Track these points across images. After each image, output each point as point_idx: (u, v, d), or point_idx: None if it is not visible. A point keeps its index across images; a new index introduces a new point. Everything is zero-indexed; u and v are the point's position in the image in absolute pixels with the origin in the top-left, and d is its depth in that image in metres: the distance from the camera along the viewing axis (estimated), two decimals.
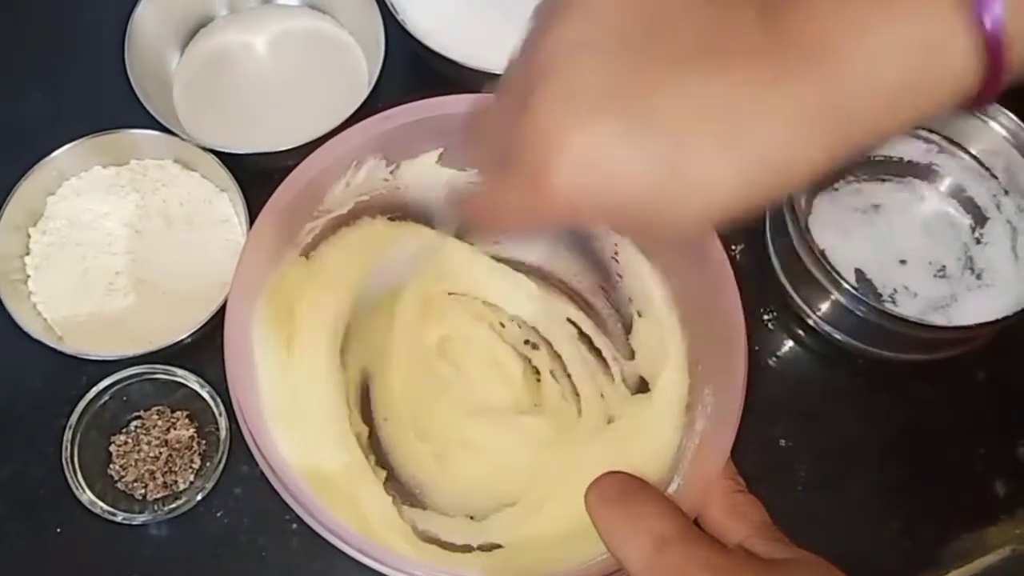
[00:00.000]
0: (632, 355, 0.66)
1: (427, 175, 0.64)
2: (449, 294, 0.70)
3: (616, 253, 0.65)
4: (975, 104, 0.34)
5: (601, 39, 0.36)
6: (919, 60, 0.33)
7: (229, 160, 0.69)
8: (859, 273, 0.70)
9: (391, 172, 0.63)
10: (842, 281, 0.65)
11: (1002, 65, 0.32)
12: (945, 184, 0.74)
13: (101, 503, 0.63)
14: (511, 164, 0.38)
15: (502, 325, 0.69)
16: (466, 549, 0.61)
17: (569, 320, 0.70)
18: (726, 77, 0.34)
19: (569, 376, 0.68)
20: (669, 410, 0.60)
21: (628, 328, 0.67)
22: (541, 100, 0.36)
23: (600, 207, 0.37)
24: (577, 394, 0.67)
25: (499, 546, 0.60)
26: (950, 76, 0.33)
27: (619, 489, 0.45)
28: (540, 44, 0.37)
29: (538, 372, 0.68)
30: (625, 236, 0.58)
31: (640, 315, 0.65)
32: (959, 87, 0.33)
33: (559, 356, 0.69)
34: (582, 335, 0.69)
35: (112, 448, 0.66)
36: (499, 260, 0.70)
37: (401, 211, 0.66)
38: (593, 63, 0.36)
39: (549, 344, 0.69)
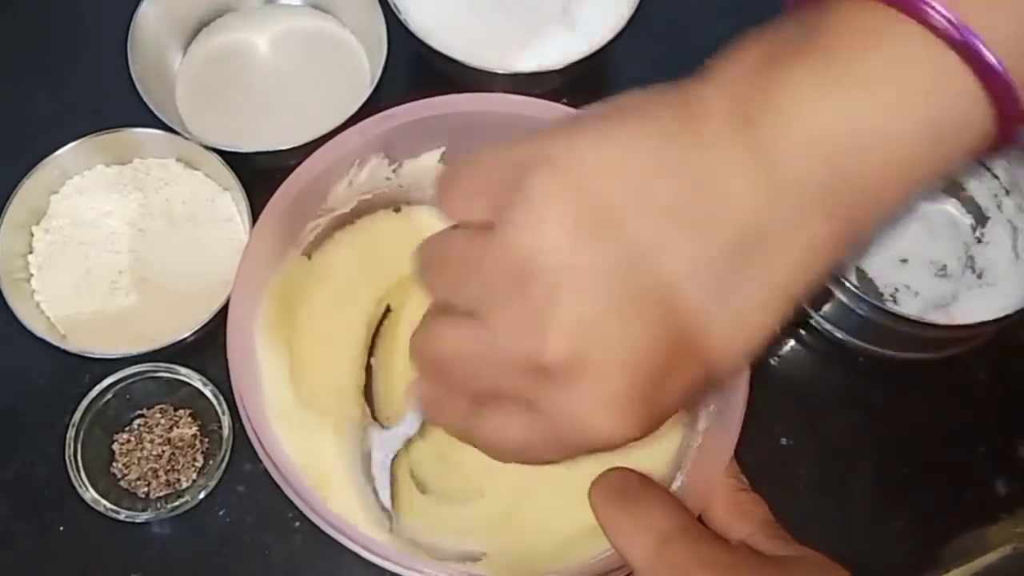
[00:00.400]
0: None
1: (430, 174, 0.64)
2: None
3: None
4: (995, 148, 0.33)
5: (566, 264, 0.33)
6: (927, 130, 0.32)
7: (232, 159, 0.69)
8: (860, 272, 0.70)
9: (394, 171, 0.63)
10: (843, 280, 0.65)
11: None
12: (945, 184, 0.74)
13: (104, 501, 0.63)
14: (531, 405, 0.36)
15: None
16: (465, 555, 0.61)
17: None
18: (704, 244, 0.33)
19: None
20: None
21: None
22: (550, 358, 0.33)
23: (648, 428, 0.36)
24: None
25: (503, 543, 0.61)
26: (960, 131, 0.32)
27: (622, 486, 0.45)
28: (522, 292, 0.34)
29: None
30: None
31: None
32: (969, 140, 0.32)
33: None
34: None
35: (115, 446, 0.66)
36: None
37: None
38: (571, 294, 0.33)
39: None
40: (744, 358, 0.35)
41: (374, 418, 0.65)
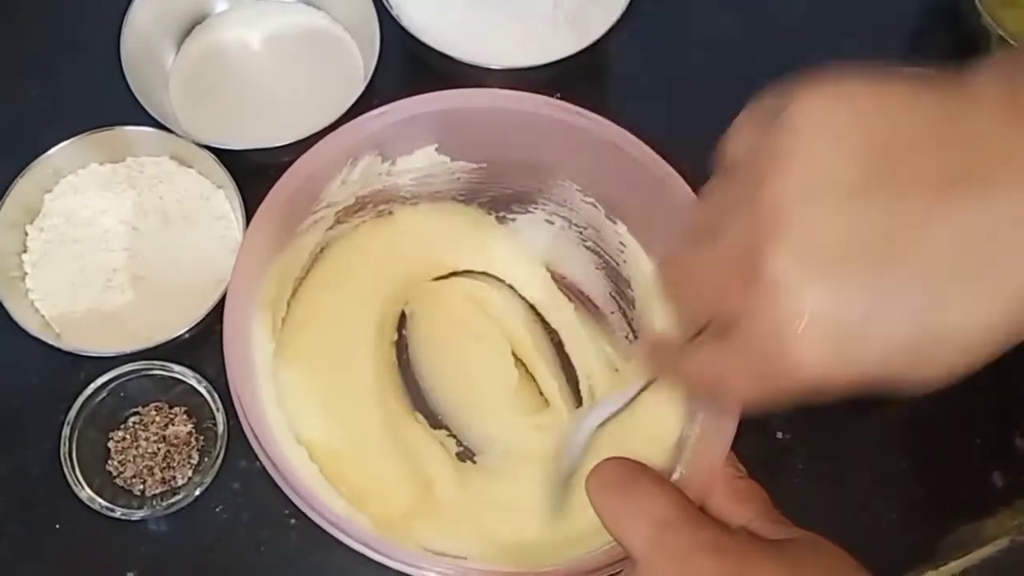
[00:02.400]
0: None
1: (424, 170, 0.64)
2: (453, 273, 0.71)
3: (621, 249, 0.65)
4: None
5: (831, 184, 0.33)
6: None
7: (225, 156, 0.69)
8: None
9: (388, 168, 0.63)
10: None
11: None
12: None
13: (99, 499, 0.63)
14: (738, 328, 0.35)
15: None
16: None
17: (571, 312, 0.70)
18: (983, 206, 0.31)
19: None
20: (670, 399, 0.60)
21: (628, 317, 0.67)
22: (773, 261, 0.33)
23: (847, 374, 0.34)
24: (578, 387, 0.68)
25: (500, 537, 0.61)
26: None
27: (620, 474, 0.45)
28: (761, 194, 0.34)
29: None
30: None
31: (637, 304, 0.66)
32: None
33: (562, 347, 0.69)
34: (584, 326, 0.69)
35: (110, 444, 0.66)
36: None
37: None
38: (827, 214, 0.33)
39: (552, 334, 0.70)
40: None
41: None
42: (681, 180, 0.57)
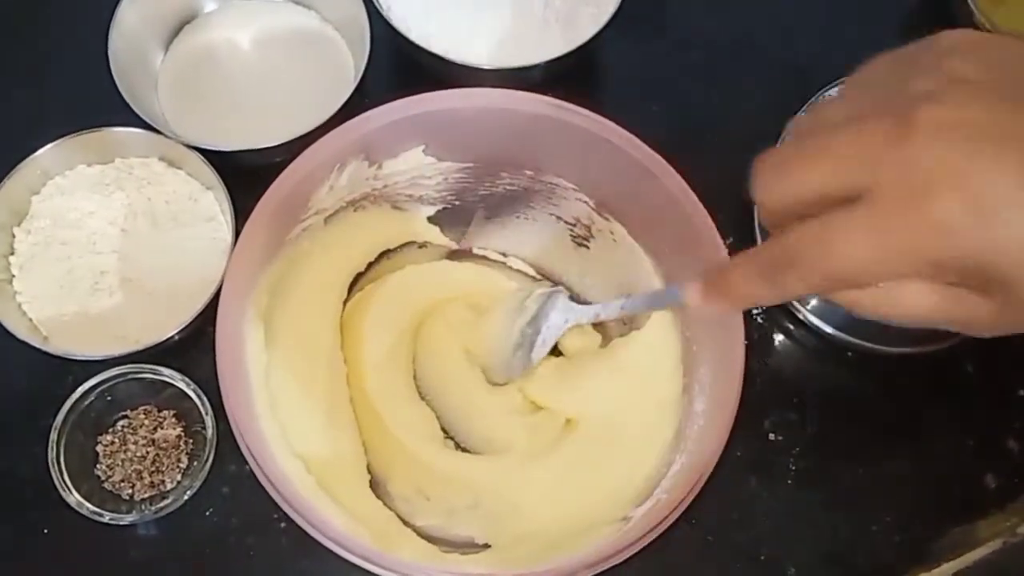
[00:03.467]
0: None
1: (409, 172, 0.64)
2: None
3: (613, 243, 0.65)
4: None
5: (987, 77, 0.35)
6: None
7: (214, 158, 0.68)
8: None
9: (374, 172, 0.63)
10: None
11: None
12: None
13: (88, 504, 0.62)
14: (870, 192, 0.35)
15: None
16: (468, 543, 0.61)
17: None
18: None
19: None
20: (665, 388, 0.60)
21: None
22: (930, 124, 0.34)
23: (972, 256, 0.33)
24: None
25: (490, 544, 0.60)
26: None
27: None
28: (916, 72, 0.36)
29: None
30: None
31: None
32: None
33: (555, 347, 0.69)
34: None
35: (99, 448, 0.65)
36: (490, 260, 0.71)
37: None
38: (982, 100, 0.34)
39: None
40: None
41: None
42: (676, 174, 0.57)
